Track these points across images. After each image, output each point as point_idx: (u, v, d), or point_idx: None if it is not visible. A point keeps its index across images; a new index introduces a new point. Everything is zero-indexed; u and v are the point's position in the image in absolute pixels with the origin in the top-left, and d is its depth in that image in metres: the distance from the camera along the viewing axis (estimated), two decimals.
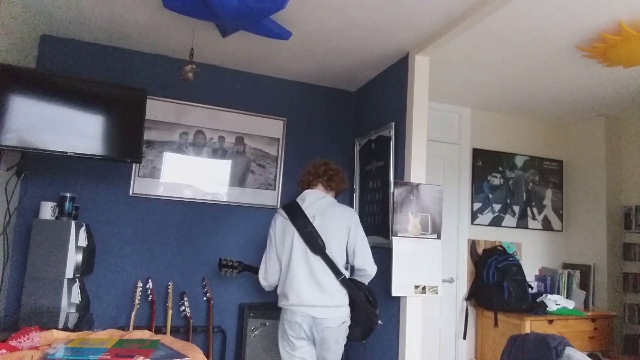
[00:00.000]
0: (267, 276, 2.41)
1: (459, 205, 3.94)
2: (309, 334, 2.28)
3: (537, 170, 4.30)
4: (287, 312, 2.31)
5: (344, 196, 3.70)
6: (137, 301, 3.00)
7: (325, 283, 2.26)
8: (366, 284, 2.45)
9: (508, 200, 4.14)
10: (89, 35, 3.07)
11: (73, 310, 2.61)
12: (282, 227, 2.37)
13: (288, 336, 2.30)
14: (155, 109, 3.24)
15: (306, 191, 2.45)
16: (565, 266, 4.19)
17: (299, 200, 2.42)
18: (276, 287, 2.44)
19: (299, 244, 2.30)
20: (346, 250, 2.38)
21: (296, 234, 2.30)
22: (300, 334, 2.27)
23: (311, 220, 2.32)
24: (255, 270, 3.02)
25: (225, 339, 3.27)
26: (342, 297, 2.30)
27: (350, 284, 2.33)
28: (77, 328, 2.14)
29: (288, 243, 2.32)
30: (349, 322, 2.36)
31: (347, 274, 2.33)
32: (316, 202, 2.38)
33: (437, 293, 2.81)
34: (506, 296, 3.57)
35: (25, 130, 2.46)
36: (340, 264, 2.32)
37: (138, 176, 3.18)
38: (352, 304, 2.35)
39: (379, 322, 2.44)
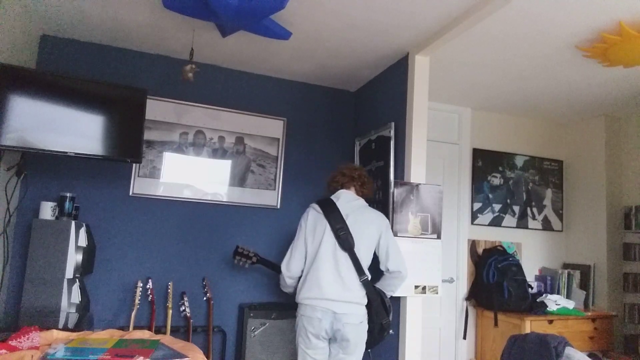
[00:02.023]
0: (289, 264, 2.43)
1: (459, 205, 3.94)
2: (328, 331, 2.26)
3: (537, 170, 4.29)
4: (307, 307, 2.30)
5: None
6: (137, 301, 2.99)
7: (348, 280, 2.28)
8: (399, 287, 2.47)
9: (508, 200, 4.14)
10: (89, 35, 3.07)
11: (73, 310, 2.61)
12: (314, 220, 2.41)
13: (307, 332, 2.29)
14: (155, 109, 3.24)
15: (341, 190, 2.50)
16: (565, 266, 4.19)
17: (333, 197, 2.47)
18: (290, 280, 2.48)
19: (329, 238, 2.33)
20: (376, 253, 2.42)
21: (328, 228, 2.34)
22: (319, 331, 2.26)
23: (344, 217, 2.36)
24: (269, 264, 3.03)
25: (225, 339, 3.27)
26: (362, 296, 2.31)
27: (371, 287, 2.34)
28: (77, 328, 2.14)
29: (318, 236, 2.35)
30: (366, 324, 2.35)
31: (369, 276, 2.35)
32: (351, 202, 2.44)
33: (437, 293, 2.81)
34: (506, 296, 3.57)
35: (25, 130, 2.46)
36: (365, 265, 2.34)
37: (138, 176, 3.18)
38: (369, 309, 2.35)
39: (390, 331, 2.44)
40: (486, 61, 3.08)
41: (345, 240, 2.31)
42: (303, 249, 2.41)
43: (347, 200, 2.44)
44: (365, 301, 2.33)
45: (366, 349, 2.39)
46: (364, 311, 2.33)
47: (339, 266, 2.30)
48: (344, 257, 2.31)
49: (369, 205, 2.53)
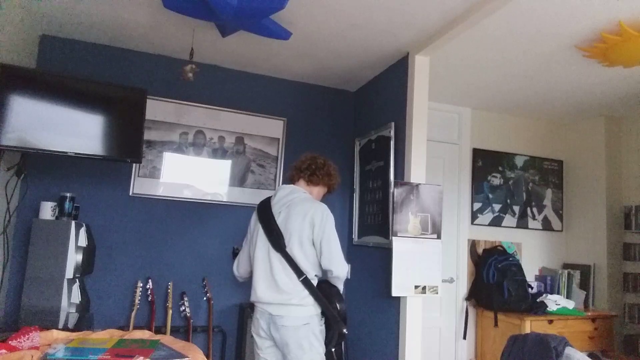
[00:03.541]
0: (238, 267, 2.43)
1: (459, 205, 3.94)
2: (267, 332, 2.18)
3: (537, 170, 4.30)
4: (254, 308, 2.28)
5: (344, 196, 3.70)
6: (137, 301, 3.00)
7: (283, 282, 2.14)
8: (340, 287, 2.29)
9: (508, 200, 4.14)
10: (89, 35, 3.07)
11: (73, 310, 2.61)
12: (254, 224, 2.33)
13: (252, 332, 2.26)
14: (155, 109, 3.24)
15: (280, 186, 2.37)
16: (565, 266, 4.19)
17: (272, 196, 2.35)
18: (241, 280, 2.48)
19: (262, 240, 2.23)
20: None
21: (260, 230, 2.24)
22: (258, 330, 2.21)
23: (276, 216, 2.23)
24: None
25: (225, 339, 3.27)
26: (302, 296, 2.15)
27: (313, 286, 2.17)
28: (77, 328, 2.14)
29: (254, 239, 2.27)
30: (317, 327, 2.18)
31: (311, 274, 2.20)
32: (285, 197, 2.26)
33: (437, 293, 2.81)
34: (506, 296, 3.57)
35: (25, 130, 2.46)
36: (303, 263, 2.17)
37: (138, 176, 3.18)
38: (325, 317, 2.23)
39: (344, 330, 2.24)
40: (486, 61, 3.08)
41: (275, 241, 2.18)
42: (247, 253, 2.35)
43: (282, 196, 2.27)
44: (310, 301, 2.16)
45: (327, 350, 2.24)
46: (309, 313, 2.15)
47: (272, 268, 2.17)
48: (277, 258, 2.17)
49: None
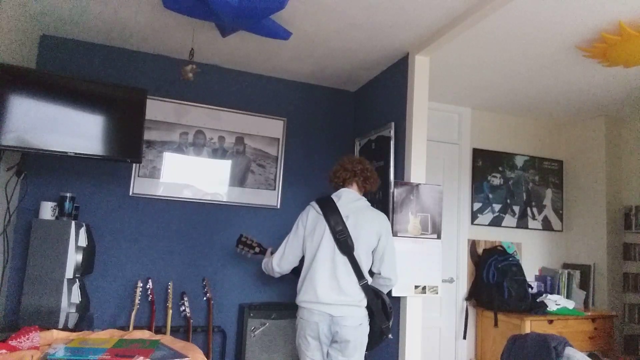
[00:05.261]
0: (281, 261, 2.39)
1: (459, 205, 3.94)
2: (327, 335, 2.22)
3: (537, 170, 4.30)
4: (305, 310, 2.27)
5: None
6: (137, 301, 2.99)
7: (345, 284, 2.22)
8: (386, 291, 2.42)
9: (508, 200, 4.14)
10: (89, 35, 3.07)
11: (73, 310, 2.60)
12: (313, 221, 2.32)
13: (306, 334, 2.26)
14: (155, 109, 3.24)
15: (343, 189, 2.41)
16: (565, 266, 4.19)
17: (334, 197, 2.37)
18: (284, 276, 2.49)
19: (328, 241, 2.26)
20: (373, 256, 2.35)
21: (327, 230, 2.26)
22: (319, 335, 2.22)
23: (344, 219, 2.28)
24: None
25: (225, 339, 3.27)
26: (360, 299, 2.25)
27: (371, 291, 2.28)
28: (77, 328, 2.15)
29: (317, 238, 2.28)
30: (366, 328, 2.29)
31: (369, 280, 2.30)
32: (352, 202, 2.35)
33: (437, 293, 2.81)
34: (506, 296, 3.57)
35: (25, 130, 2.46)
36: (365, 268, 2.29)
37: (138, 176, 3.18)
38: (369, 313, 2.31)
39: (389, 335, 2.37)
40: (486, 61, 3.08)
41: (344, 244, 2.23)
42: (298, 250, 2.36)
43: (349, 201, 2.34)
44: (365, 303, 2.27)
45: (366, 352, 2.34)
46: (364, 313, 2.27)
47: (336, 270, 2.23)
48: (342, 260, 2.24)
49: (371, 204, 2.48)
